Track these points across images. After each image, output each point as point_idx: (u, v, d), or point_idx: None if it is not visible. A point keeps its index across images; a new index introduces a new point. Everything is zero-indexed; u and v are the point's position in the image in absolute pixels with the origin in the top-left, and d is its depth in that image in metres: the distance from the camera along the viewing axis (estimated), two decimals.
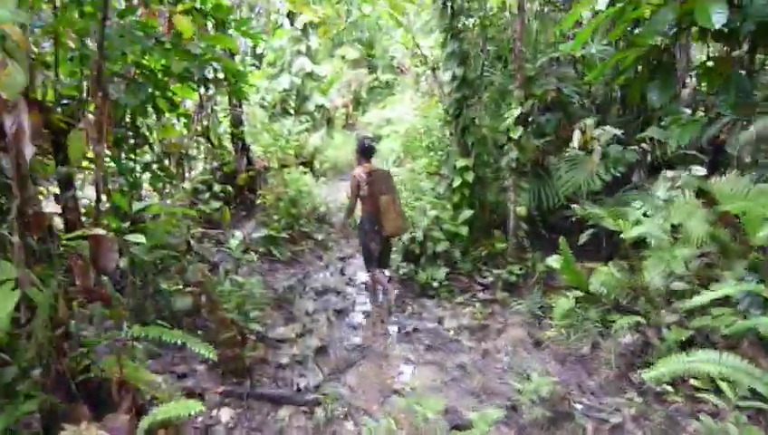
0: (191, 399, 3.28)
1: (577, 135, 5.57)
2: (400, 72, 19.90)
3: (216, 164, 10.19)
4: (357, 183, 6.17)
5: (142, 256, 5.11)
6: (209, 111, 9.95)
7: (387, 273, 6.69)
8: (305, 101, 17.01)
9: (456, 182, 6.88)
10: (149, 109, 5.86)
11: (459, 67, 6.85)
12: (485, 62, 7.18)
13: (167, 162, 8.68)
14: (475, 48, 6.97)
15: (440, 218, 6.80)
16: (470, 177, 6.79)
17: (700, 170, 5.44)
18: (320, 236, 8.56)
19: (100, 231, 3.06)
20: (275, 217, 8.33)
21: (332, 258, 8.06)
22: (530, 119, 6.67)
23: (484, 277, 6.52)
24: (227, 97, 10.11)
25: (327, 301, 6.36)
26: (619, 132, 5.95)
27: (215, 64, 5.95)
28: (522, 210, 6.47)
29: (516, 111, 6.24)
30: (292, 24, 17.13)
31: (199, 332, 4.86)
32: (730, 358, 3.21)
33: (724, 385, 3.58)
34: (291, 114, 16.95)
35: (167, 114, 6.61)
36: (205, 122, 9.82)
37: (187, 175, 9.56)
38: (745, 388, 3.42)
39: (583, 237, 5.94)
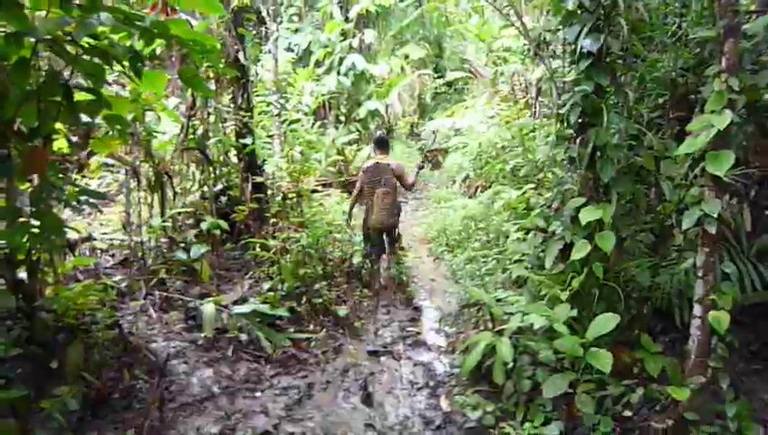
0: None
1: None
2: (472, 75, 16.75)
3: (218, 187, 7.41)
4: (359, 177, 6.77)
5: None
6: (207, 114, 7.23)
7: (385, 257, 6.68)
8: (357, 107, 14.10)
9: (580, 250, 3.69)
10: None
11: (591, 36, 3.68)
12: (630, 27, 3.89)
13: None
14: (624, 1, 3.68)
15: (547, 319, 3.62)
16: (608, 243, 3.58)
17: None
18: (343, 311, 5.49)
19: None
20: (271, 282, 5.40)
21: (359, 354, 4.98)
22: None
23: None
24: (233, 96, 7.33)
25: None
26: None
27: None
28: (721, 318, 3.20)
29: (724, 120, 3.00)
30: (345, 16, 14.36)
31: None
32: None
33: None
34: (341, 122, 14.13)
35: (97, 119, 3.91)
36: (200, 130, 7.13)
37: (177, 202, 6.90)
38: None
39: None
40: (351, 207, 7.00)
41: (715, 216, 3.11)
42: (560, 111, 4.03)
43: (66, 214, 5.83)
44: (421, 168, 7.22)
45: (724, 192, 3.79)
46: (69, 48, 3.23)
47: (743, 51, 3.35)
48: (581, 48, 3.71)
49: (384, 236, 6.64)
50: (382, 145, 6.81)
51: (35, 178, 3.72)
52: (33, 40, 3.11)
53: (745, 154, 4.44)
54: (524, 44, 6.08)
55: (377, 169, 6.48)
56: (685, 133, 3.46)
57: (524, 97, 10.40)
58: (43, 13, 3.15)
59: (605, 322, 3.42)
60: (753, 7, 4.61)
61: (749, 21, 4.00)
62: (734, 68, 3.10)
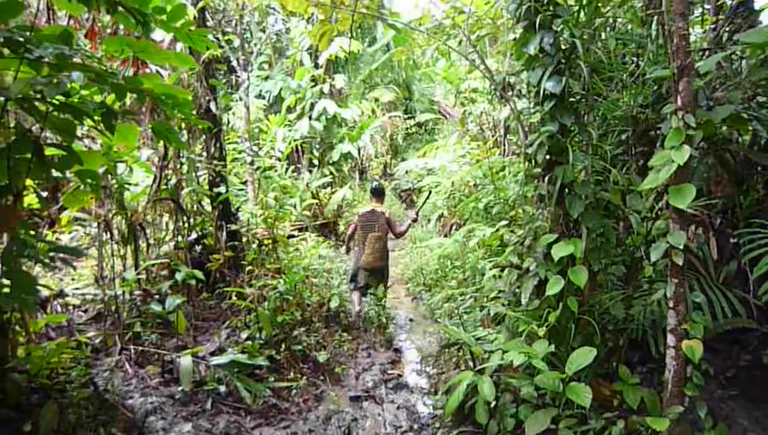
0: None
1: None
2: (442, 116, 17.11)
3: (193, 236, 7.37)
4: (354, 220, 7.47)
5: None
6: (179, 164, 7.23)
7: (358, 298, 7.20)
8: (330, 150, 14.23)
9: (554, 286, 3.75)
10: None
11: (553, 79, 3.82)
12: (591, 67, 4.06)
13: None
14: (582, 44, 3.85)
15: (526, 355, 3.65)
16: (580, 277, 3.65)
17: None
18: (323, 356, 5.44)
19: None
20: (249, 331, 5.35)
21: (341, 401, 4.93)
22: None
23: None
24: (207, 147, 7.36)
25: None
26: None
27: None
28: (694, 347, 3.27)
29: (683, 155, 3.13)
30: (315, 62, 14.59)
31: None
32: None
33: None
34: (314, 165, 14.21)
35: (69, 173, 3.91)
36: (173, 180, 7.12)
37: (151, 254, 6.82)
38: None
39: None
40: (347, 249, 7.78)
41: (681, 247, 3.20)
42: (527, 151, 4.15)
43: (37, 270, 5.74)
44: (415, 220, 7.69)
45: (689, 223, 3.92)
46: (39, 105, 3.26)
47: (697, 88, 3.51)
48: (545, 90, 3.85)
49: (373, 276, 7.12)
50: (378, 194, 7.41)
51: (4, 235, 3.69)
52: (2, 98, 3.14)
53: (708, 185, 4.62)
54: (491, 85, 6.27)
55: (372, 216, 7.08)
56: (648, 167, 3.59)
57: (493, 136, 10.62)
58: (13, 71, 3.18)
59: (583, 355, 3.46)
60: (705, 45, 4.85)
61: (702, 59, 4.21)
62: (689, 105, 3.25)
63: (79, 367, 4.30)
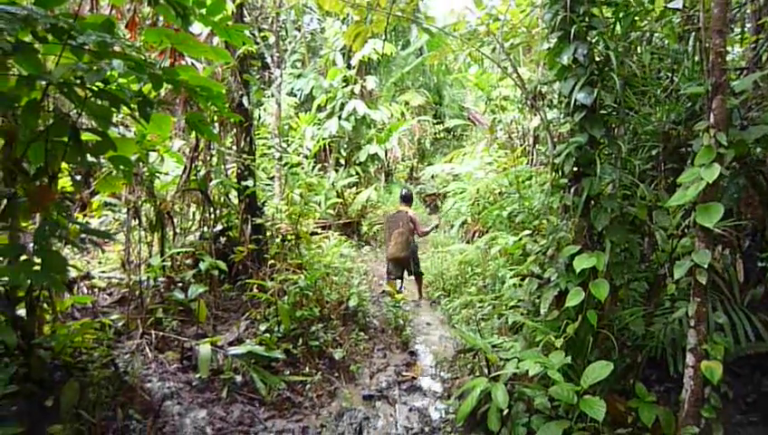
0: None
1: None
2: (471, 122, 17.06)
3: (218, 227, 7.46)
4: (384, 221, 9.09)
5: None
6: (209, 156, 7.34)
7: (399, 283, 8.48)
8: (357, 150, 14.28)
9: (574, 298, 3.73)
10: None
11: (585, 90, 3.81)
12: (625, 80, 4.04)
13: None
14: (617, 57, 3.82)
15: (542, 365, 3.63)
16: (602, 290, 3.62)
17: None
18: (339, 354, 5.48)
19: None
20: (268, 324, 5.41)
21: (354, 398, 4.96)
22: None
23: None
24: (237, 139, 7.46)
25: None
26: None
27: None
28: (713, 368, 3.22)
29: (712, 174, 3.10)
30: (347, 63, 14.68)
31: None
32: None
33: None
34: (341, 165, 14.28)
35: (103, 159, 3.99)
36: (202, 171, 7.22)
37: (177, 242, 6.93)
38: None
39: None
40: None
41: (705, 266, 3.16)
42: (555, 161, 4.13)
43: (66, 251, 5.88)
44: (437, 226, 9.16)
45: (715, 243, 3.86)
46: (78, 91, 3.35)
47: (732, 107, 3.46)
48: (576, 101, 3.83)
49: (400, 266, 8.41)
50: (406, 200, 8.81)
51: (38, 216, 3.79)
52: (44, 82, 3.23)
53: (738, 206, 4.54)
54: (522, 94, 6.26)
55: (397, 216, 8.41)
56: (677, 184, 3.56)
57: (522, 145, 10.58)
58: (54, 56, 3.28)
59: (599, 369, 3.44)
60: (744, 64, 4.78)
61: (740, 78, 4.15)
62: (722, 123, 3.21)
63: (101, 348, 4.40)
